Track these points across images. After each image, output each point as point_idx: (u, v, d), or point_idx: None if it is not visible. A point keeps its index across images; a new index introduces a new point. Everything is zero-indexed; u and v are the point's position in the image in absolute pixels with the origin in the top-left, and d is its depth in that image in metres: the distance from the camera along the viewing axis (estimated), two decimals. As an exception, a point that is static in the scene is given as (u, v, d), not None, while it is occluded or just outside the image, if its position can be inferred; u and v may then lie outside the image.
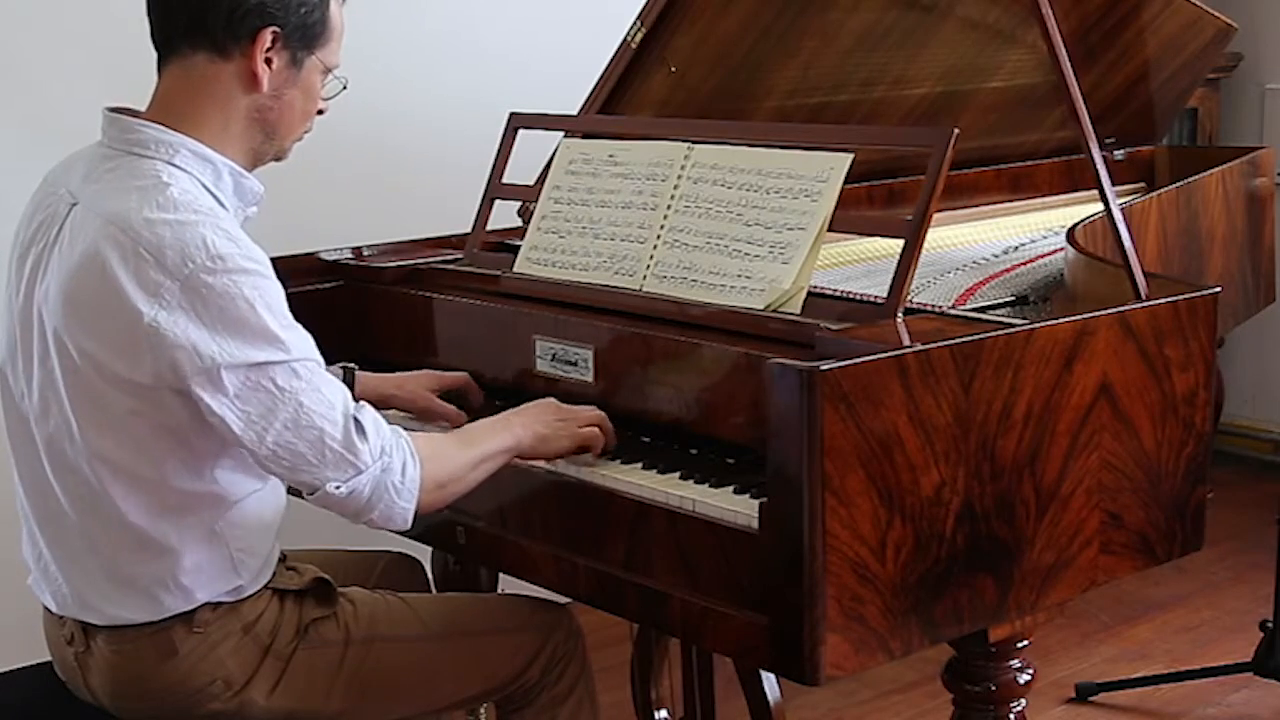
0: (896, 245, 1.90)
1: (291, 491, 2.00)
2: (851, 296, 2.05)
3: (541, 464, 1.96)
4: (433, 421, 2.17)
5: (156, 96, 1.85)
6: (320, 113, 1.92)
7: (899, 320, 1.86)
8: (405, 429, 1.85)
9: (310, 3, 1.83)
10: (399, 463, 1.78)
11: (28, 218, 1.88)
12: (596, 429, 1.95)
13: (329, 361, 1.80)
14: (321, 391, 1.74)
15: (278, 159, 1.92)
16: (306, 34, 1.83)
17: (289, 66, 1.83)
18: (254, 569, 1.88)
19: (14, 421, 1.89)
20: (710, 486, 1.84)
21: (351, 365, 2.16)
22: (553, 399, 2.00)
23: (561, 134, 2.37)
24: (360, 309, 2.44)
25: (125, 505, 1.78)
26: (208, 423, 1.74)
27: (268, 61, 1.81)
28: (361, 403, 1.80)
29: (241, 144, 1.85)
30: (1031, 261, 2.46)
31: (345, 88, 1.92)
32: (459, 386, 2.20)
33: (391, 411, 2.15)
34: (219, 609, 1.86)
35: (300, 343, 1.74)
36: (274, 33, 1.80)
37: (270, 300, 1.72)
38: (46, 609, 1.94)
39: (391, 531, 2.14)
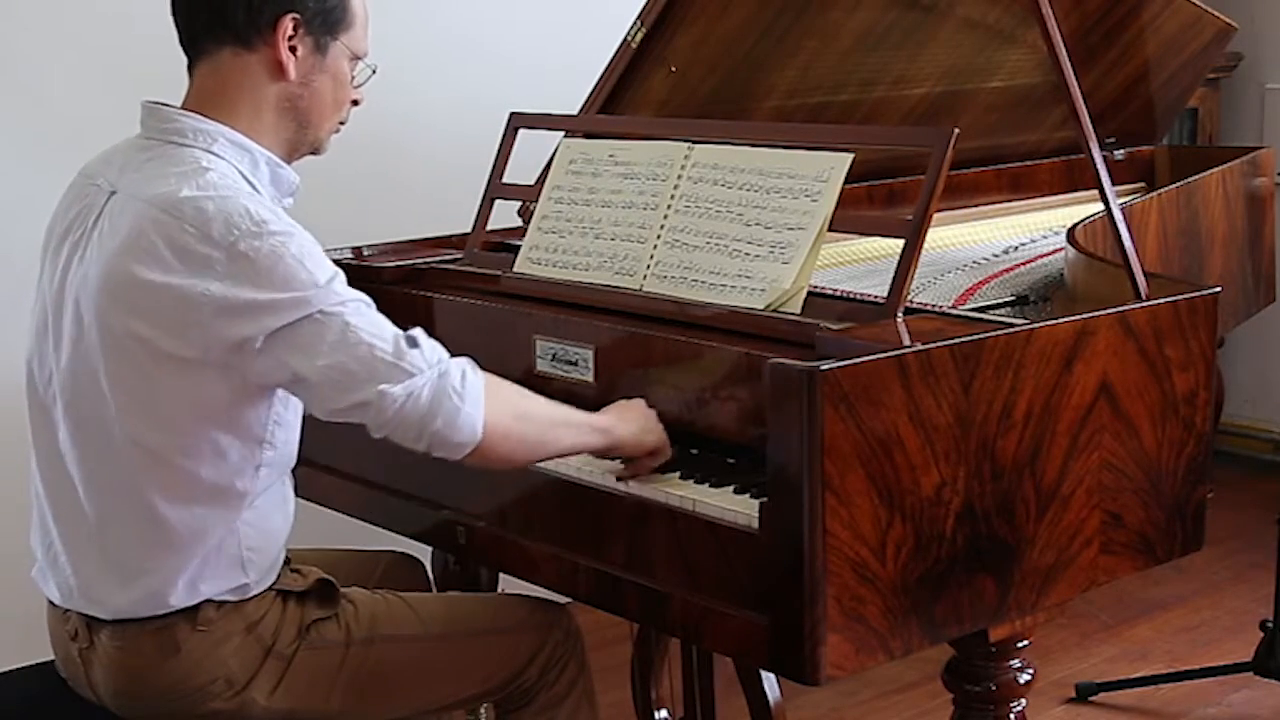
0: (896, 245, 1.90)
1: (298, 491, 1.99)
2: (851, 296, 2.05)
3: (557, 465, 1.94)
4: None
5: (190, 95, 1.88)
6: (355, 103, 1.95)
7: (899, 320, 1.86)
8: None
9: None
10: (458, 370, 1.77)
11: (64, 209, 1.90)
12: (659, 459, 1.92)
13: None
14: (367, 315, 1.75)
15: (315, 152, 1.94)
16: (327, 19, 1.86)
17: (314, 53, 1.86)
18: (261, 569, 1.88)
19: (36, 409, 1.90)
20: (710, 486, 1.84)
21: None
22: (644, 407, 1.94)
23: (562, 134, 2.37)
24: (360, 309, 2.43)
25: (151, 491, 1.79)
26: (243, 407, 1.78)
27: (292, 49, 1.84)
28: (415, 329, 1.79)
29: (275, 135, 1.88)
30: (1031, 261, 2.46)
31: (375, 73, 1.95)
32: None
33: None
34: (223, 607, 1.86)
35: (344, 288, 1.76)
36: (294, 19, 1.83)
37: (314, 253, 1.74)
38: (50, 603, 1.94)
39: (396, 530, 2.15)
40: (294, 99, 1.87)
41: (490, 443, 1.78)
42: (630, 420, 1.91)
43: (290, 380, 1.76)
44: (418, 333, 1.78)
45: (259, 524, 1.87)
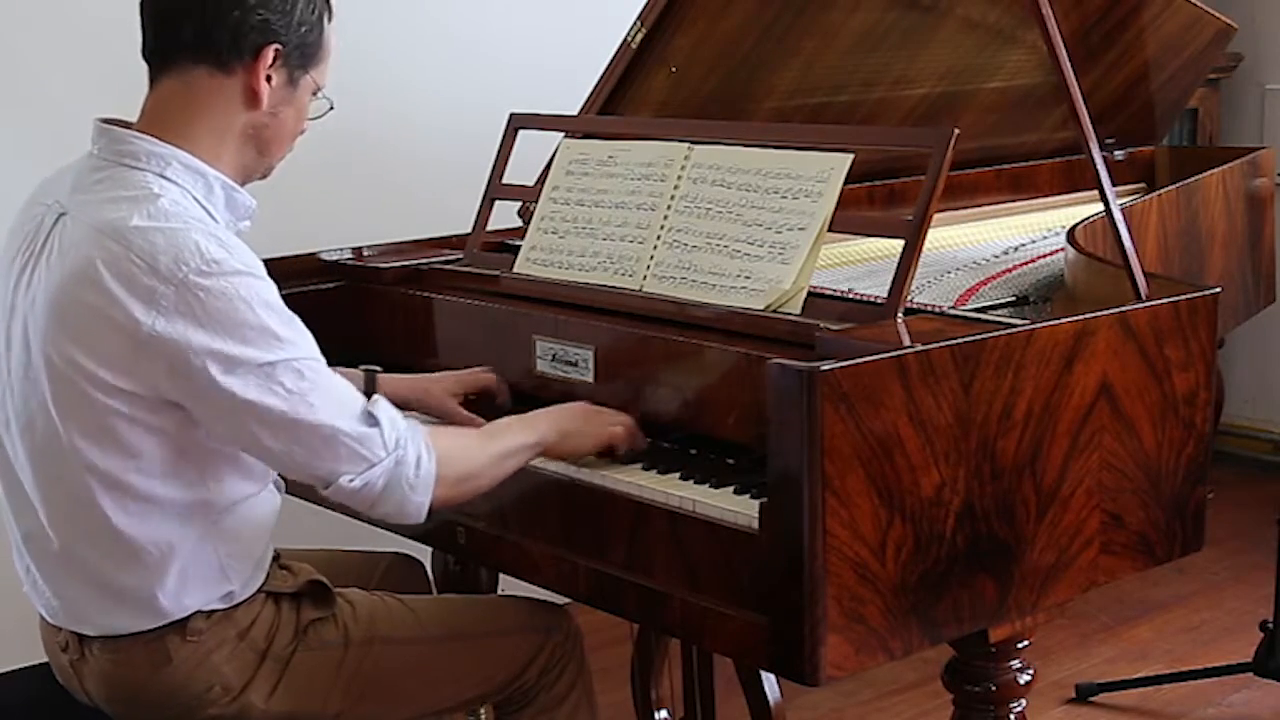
0: (897, 245, 1.90)
1: (294, 491, 2.00)
2: (851, 296, 2.05)
3: (557, 465, 1.95)
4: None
5: (149, 108, 1.83)
6: (301, 132, 1.92)
7: (899, 320, 1.86)
8: (426, 424, 1.85)
9: (310, 22, 1.84)
10: (413, 456, 1.78)
11: (18, 225, 1.87)
12: (620, 429, 1.96)
13: (330, 363, 1.80)
14: (328, 388, 1.74)
15: (263, 177, 1.92)
16: (305, 53, 1.84)
17: (286, 85, 1.84)
18: (245, 574, 1.87)
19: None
20: (710, 486, 1.84)
21: (375, 368, 2.16)
22: (583, 402, 2.01)
23: (561, 134, 2.37)
24: (360, 309, 2.44)
25: (115, 515, 1.76)
26: (195, 430, 1.75)
27: (268, 79, 1.81)
28: (376, 396, 1.80)
29: (234, 160, 1.84)
30: (1032, 262, 2.46)
31: (332, 108, 1.92)
32: (482, 388, 2.20)
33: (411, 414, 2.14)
34: (212, 616, 1.85)
35: (301, 340, 1.74)
36: (276, 50, 1.81)
37: (268, 299, 1.72)
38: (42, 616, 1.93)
39: (394, 531, 2.15)
40: (260, 128, 1.84)
41: (433, 509, 1.82)
42: (555, 423, 1.95)
43: (245, 443, 1.75)
44: (378, 406, 1.78)
45: (236, 529, 1.84)
